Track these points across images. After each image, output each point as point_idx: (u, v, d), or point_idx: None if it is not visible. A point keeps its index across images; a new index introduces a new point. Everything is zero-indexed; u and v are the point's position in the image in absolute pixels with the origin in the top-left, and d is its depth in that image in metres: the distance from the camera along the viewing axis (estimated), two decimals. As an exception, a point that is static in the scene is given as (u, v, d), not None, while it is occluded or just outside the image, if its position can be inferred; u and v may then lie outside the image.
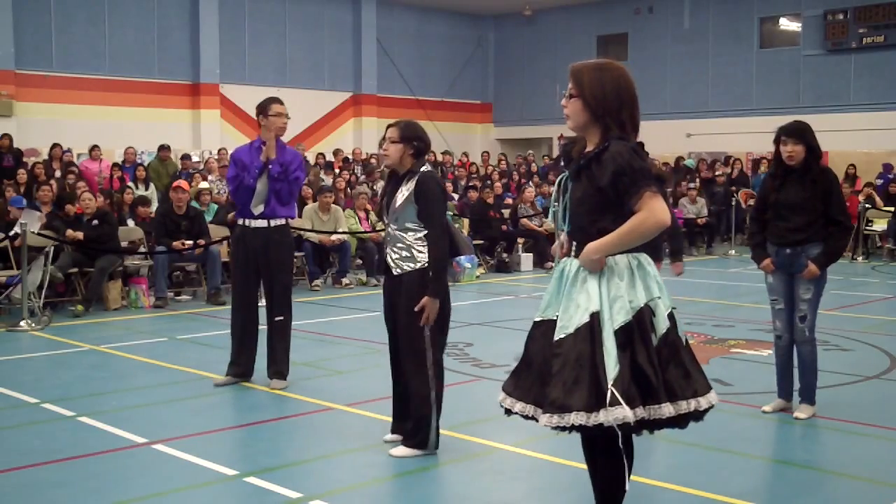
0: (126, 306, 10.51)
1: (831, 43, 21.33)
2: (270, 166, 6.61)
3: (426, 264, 4.86)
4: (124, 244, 11.01)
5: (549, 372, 3.33)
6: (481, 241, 14.54)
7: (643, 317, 3.28)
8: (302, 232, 12.39)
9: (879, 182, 18.08)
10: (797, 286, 5.62)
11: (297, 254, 12.40)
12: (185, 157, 17.18)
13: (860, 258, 15.92)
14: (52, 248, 9.93)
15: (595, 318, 3.27)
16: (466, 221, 14.57)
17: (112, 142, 18.38)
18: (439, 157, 21.15)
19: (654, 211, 3.22)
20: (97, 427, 5.61)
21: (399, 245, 4.91)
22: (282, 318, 6.76)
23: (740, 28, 22.98)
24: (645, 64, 24.82)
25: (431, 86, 26.36)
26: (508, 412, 3.54)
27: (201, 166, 16.71)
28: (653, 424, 3.31)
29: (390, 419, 5.29)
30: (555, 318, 3.39)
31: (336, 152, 20.04)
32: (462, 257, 12.82)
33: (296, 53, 23.37)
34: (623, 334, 3.24)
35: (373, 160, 19.69)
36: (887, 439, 5.45)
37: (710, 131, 22.46)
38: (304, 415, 5.95)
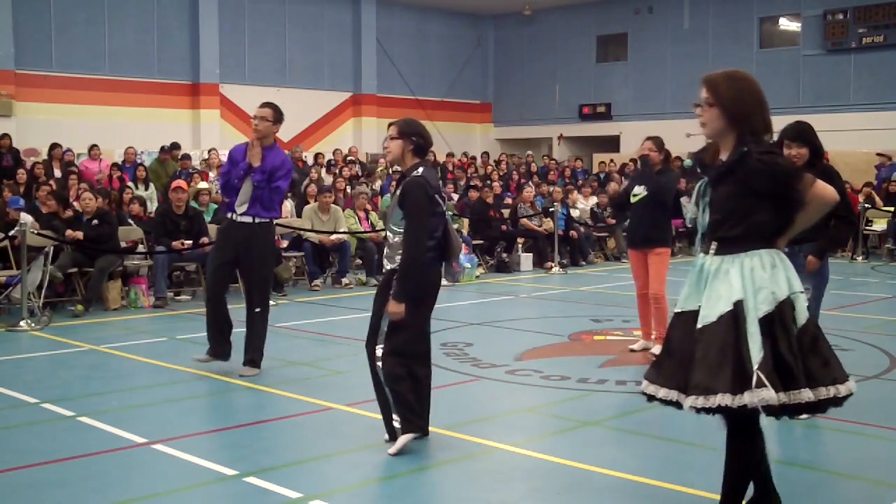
0: (126, 306, 10.51)
1: (831, 43, 21.33)
2: (253, 174, 6.86)
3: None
4: (124, 244, 11.00)
5: (692, 358, 3.52)
6: (481, 241, 14.54)
7: (784, 308, 3.50)
8: (302, 232, 12.39)
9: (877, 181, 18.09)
10: None
11: (296, 254, 12.44)
12: (185, 157, 17.17)
13: (860, 258, 15.92)
14: (52, 248, 9.92)
15: (739, 306, 3.49)
16: (466, 221, 14.57)
17: (112, 142, 18.38)
18: (441, 158, 21.15)
19: (822, 195, 3.58)
20: (97, 427, 5.61)
21: (389, 244, 5.07)
22: (259, 309, 7.08)
23: (740, 28, 22.99)
24: (645, 64, 24.84)
25: (431, 86, 26.37)
26: (651, 398, 3.73)
27: (199, 165, 16.68)
28: (793, 409, 3.50)
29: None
30: (695, 308, 3.62)
31: (334, 153, 20.03)
32: (462, 257, 12.88)
33: (296, 53, 23.38)
34: (766, 323, 3.46)
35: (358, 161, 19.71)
36: (887, 439, 5.45)
37: (710, 131, 22.46)
38: (304, 415, 5.95)
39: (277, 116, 6.99)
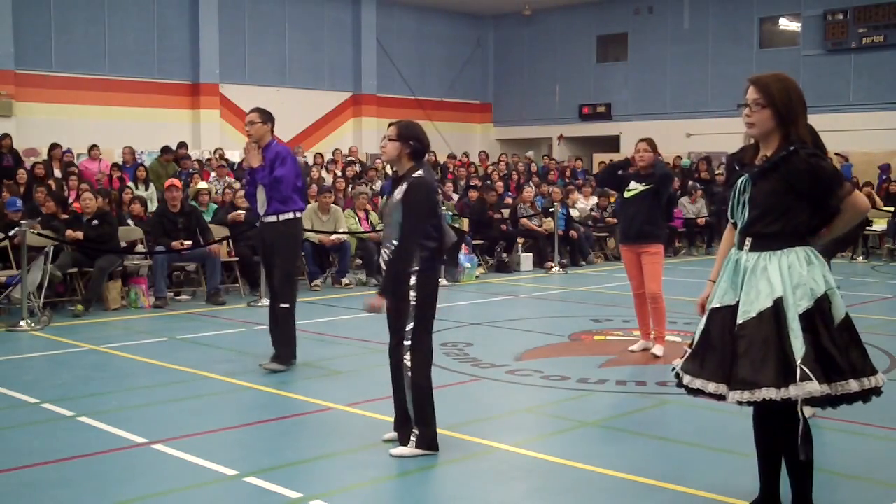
0: (126, 306, 10.50)
1: (831, 43, 21.34)
2: (257, 175, 7.12)
3: (413, 268, 4.91)
4: (124, 244, 11.00)
5: (735, 353, 3.65)
6: (481, 241, 14.54)
7: (823, 303, 3.62)
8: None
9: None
10: None
11: (297, 253, 12.44)
12: (185, 157, 17.17)
13: (860, 258, 15.92)
14: (52, 248, 9.92)
15: (779, 303, 3.60)
16: (466, 221, 14.57)
17: (112, 142, 18.39)
18: (441, 159, 21.14)
19: (855, 204, 3.69)
20: (97, 427, 5.61)
21: (390, 246, 4.98)
22: (286, 305, 7.18)
23: (740, 28, 22.99)
24: (645, 64, 24.84)
25: (431, 86, 26.37)
26: (698, 393, 3.81)
27: (198, 166, 16.67)
28: (837, 400, 3.65)
29: (390, 419, 5.30)
30: (732, 304, 3.73)
31: (334, 153, 20.03)
32: (462, 257, 12.88)
33: (296, 53, 23.38)
34: (806, 319, 3.58)
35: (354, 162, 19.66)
36: (887, 439, 5.45)
37: (710, 131, 22.48)
38: (304, 415, 5.95)
39: (266, 117, 7.31)
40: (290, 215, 7.17)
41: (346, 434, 5.48)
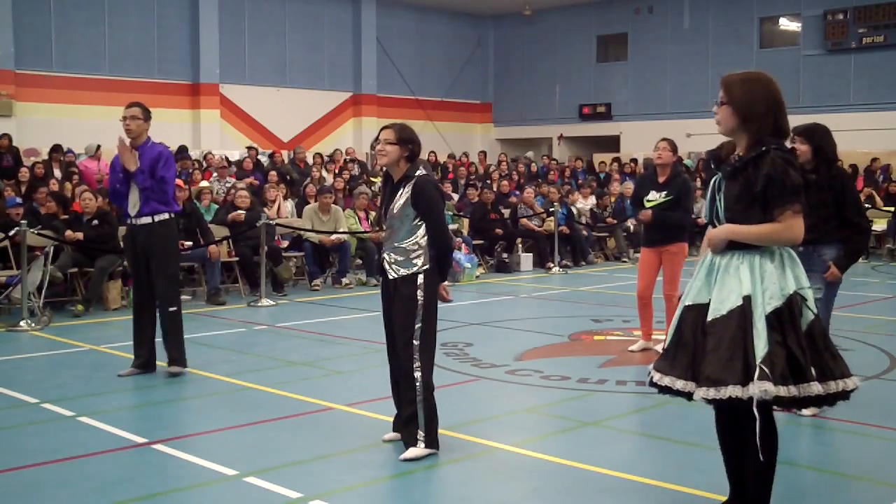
0: (126, 306, 10.48)
1: (831, 43, 21.35)
2: (135, 178, 6.88)
3: (421, 269, 4.94)
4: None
5: (704, 350, 3.63)
6: (481, 241, 14.54)
7: (793, 303, 3.59)
8: (302, 232, 12.40)
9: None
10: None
11: (296, 254, 12.45)
12: (185, 156, 17.17)
13: (860, 258, 15.90)
14: (52, 248, 9.92)
15: (747, 301, 3.58)
16: (466, 221, 14.57)
17: (112, 142, 18.29)
18: (441, 158, 21.13)
19: (791, 228, 3.60)
20: (97, 427, 5.61)
21: (396, 249, 4.99)
22: (174, 308, 7.01)
23: (740, 28, 23.00)
24: (645, 64, 24.85)
25: (431, 86, 26.38)
26: (665, 390, 3.77)
27: (199, 165, 16.68)
28: (802, 402, 3.61)
29: (390, 419, 5.30)
30: (706, 302, 3.71)
31: (334, 153, 20.04)
32: (462, 257, 12.88)
33: (296, 53, 23.38)
34: (774, 318, 3.55)
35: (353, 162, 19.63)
36: (887, 439, 5.45)
37: (710, 131, 22.23)
38: (304, 415, 5.95)
39: (147, 114, 7.22)
40: (166, 216, 6.97)
41: (346, 434, 5.48)
